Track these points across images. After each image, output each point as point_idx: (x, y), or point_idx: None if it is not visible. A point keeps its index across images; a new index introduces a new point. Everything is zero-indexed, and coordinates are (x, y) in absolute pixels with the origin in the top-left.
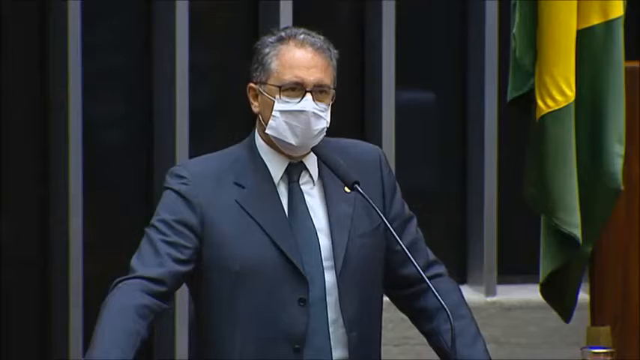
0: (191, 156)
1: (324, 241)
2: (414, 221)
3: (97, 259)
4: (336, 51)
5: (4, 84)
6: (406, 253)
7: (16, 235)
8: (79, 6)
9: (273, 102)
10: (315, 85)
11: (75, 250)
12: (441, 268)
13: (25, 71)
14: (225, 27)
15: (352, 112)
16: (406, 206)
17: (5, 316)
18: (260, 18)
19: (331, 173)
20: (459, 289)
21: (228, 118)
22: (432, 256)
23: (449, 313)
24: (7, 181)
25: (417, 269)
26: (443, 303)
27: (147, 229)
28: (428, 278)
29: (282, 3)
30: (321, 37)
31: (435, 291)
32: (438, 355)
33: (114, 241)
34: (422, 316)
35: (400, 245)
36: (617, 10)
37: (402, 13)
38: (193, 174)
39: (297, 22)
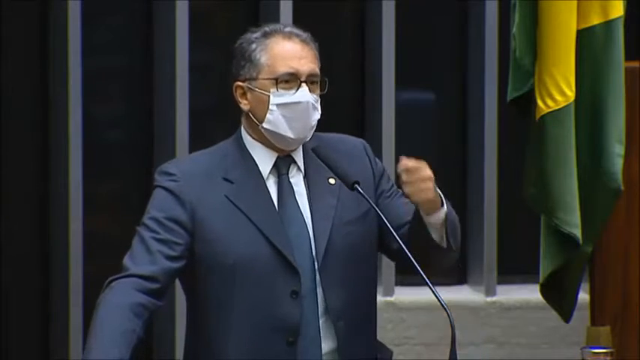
0: None
1: (312, 233)
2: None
3: (97, 259)
4: (316, 43)
5: (4, 84)
6: (402, 246)
7: (16, 235)
8: (79, 6)
9: (268, 96)
10: (309, 75)
11: (75, 250)
12: None
13: (25, 71)
14: (225, 27)
15: (352, 112)
16: (395, 185)
17: (5, 316)
18: (260, 18)
19: (316, 165)
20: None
21: (228, 118)
22: None
23: (449, 313)
24: (8, 181)
25: (413, 262)
26: (443, 303)
27: (138, 228)
28: None
29: (282, 3)
30: (303, 30)
31: (432, 288)
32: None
33: (114, 240)
34: None
35: (395, 237)
36: (617, 10)
37: (402, 13)
38: (182, 171)
39: (297, 22)
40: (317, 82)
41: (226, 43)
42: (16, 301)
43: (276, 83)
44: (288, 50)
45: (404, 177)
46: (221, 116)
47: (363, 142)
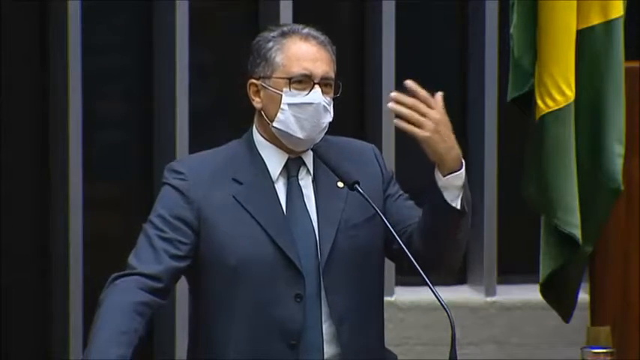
0: None
1: (318, 236)
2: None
3: (97, 259)
4: (334, 47)
5: (4, 84)
6: (403, 248)
7: (16, 235)
8: (79, 6)
9: (280, 96)
10: (322, 78)
11: (75, 250)
12: None
13: (25, 71)
14: (225, 27)
15: (352, 112)
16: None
17: (5, 316)
18: (260, 18)
19: (326, 168)
20: None
21: (228, 118)
22: None
23: (449, 313)
24: (8, 181)
25: (416, 266)
26: (443, 303)
27: (144, 225)
28: None
29: (282, 3)
30: (321, 33)
31: (432, 288)
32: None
33: (114, 240)
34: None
35: (397, 240)
36: (617, 10)
37: (402, 13)
38: (191, 169)
39: (297, 22)
40: (330, 85)
41: (226, 43)
42: (16, 301)
43: (289, 83)
44: (304, 51)
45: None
46: (221, 116)
47: (373, 147)
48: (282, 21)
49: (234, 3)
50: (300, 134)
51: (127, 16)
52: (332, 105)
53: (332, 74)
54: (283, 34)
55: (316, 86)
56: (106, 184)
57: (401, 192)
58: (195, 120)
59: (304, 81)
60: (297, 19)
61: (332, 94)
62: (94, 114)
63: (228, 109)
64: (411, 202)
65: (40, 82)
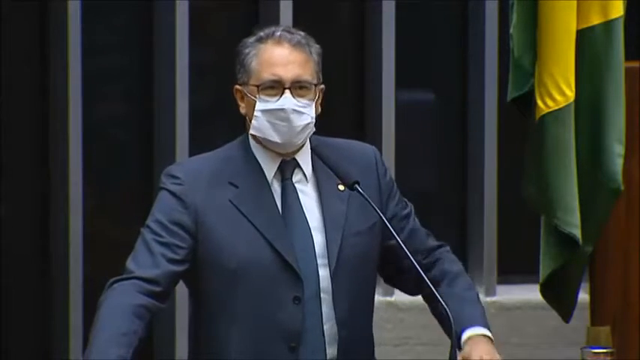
0: (191, 156)
1: (318, 239)
2: (412, 212)
3: (97, 259)
4: (317, 46)
5: (4, 84)
6: (407, 254)
7: (16, 235)
8: (79, 6)
9: (255, 102)
10: (293, 82)
11: (75, 250)
12: (445, 246)
13: (25, 71)
14: (225, 27)
15: (352, 112)
16: (403, 201)
17: (5, 316)
18: (260, 18)
19: (325, 171)
20: (460, 263)
21: (228, 118)
22: (433, 242)
23: (449, 313)
24: (8, 181)
25: (417, 268)
26: (443, 303)
27: (142, 230)
28: (434, 249)
29: (282, 3)
30: (301, 33)
31: (436, 292)
32: (439, 322)
33: (114, 241)
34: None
35: (400, 244)
36: (617, 10)
37: (402, 13)
38: (187, 174)
39: (297, 22)
40: (307, 87)
41: (226, 43)
42: (16, 301)
43: (259, 90)
44: (275, 56)
45: None
46: (221, 116)
47: (374, 149)
48: (282, 21)
49: (234, 3)
50: (276, 138)
51: (127, 16)
52: (311, 106)
53: (306, 76)
54: (260, 40)
55: (286, 91)
56: (106, 184)
57: (405, 208)
58: (195, 120)
59: (275, 87)
60: (297, 19)
61: (311, 96)
62: (94, 114)
63: (228, 109)
64: (417, 227)
65: (40, 82)
